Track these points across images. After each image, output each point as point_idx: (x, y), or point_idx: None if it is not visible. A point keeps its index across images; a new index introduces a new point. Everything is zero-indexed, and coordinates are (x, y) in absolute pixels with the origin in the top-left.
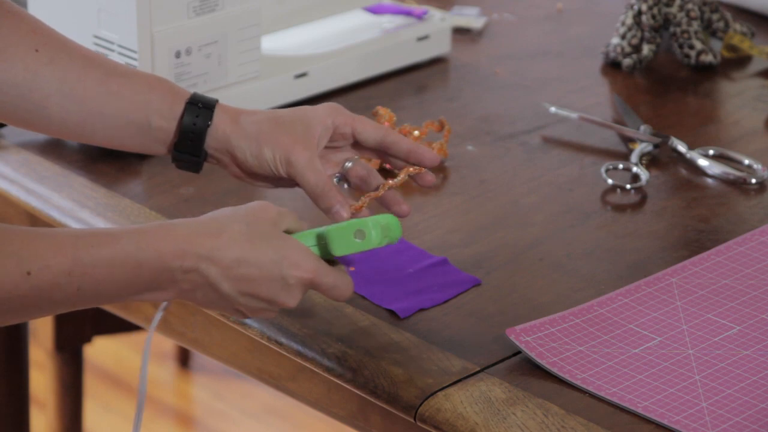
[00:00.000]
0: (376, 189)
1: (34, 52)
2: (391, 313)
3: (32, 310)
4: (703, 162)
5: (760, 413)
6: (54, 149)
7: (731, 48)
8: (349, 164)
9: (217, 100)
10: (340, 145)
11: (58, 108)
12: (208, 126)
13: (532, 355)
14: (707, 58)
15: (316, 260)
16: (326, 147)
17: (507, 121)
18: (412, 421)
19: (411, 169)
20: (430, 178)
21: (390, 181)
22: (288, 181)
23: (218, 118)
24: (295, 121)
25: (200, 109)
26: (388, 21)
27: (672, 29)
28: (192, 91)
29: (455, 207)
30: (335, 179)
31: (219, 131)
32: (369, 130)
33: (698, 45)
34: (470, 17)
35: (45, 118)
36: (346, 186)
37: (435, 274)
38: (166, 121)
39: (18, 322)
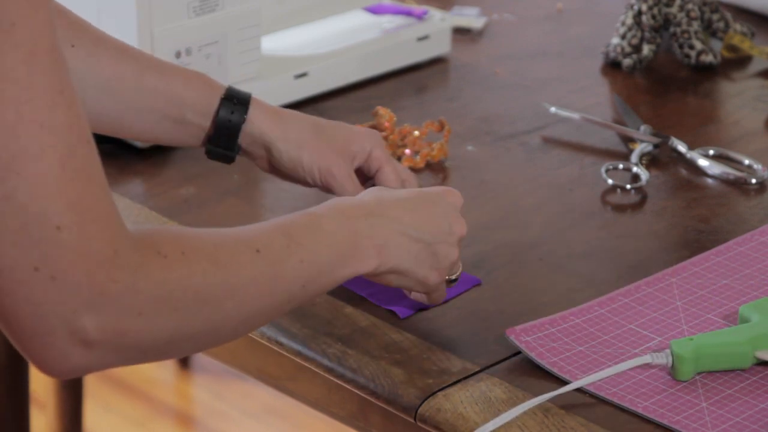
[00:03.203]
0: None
1: (70, 47)
2: (391, 313)
3: (267, 298)
4: (703, 162)
5: (760, 413)
6: None
7: (731, 48)
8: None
9: (251, 95)
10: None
11: (94, 103)
12: (243, 121)
13: (532, 355)
14: (707, 58)
15: None
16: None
17: (507, 121)
18: (412, 421)
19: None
20: None
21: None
22: (308, 183)
23: (254, 114)
24: (336, 135)
25: (235, 105)
26: (388, 21)
27: (672, 29)
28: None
29: None
30: None
31: (255, 128)
32: (391, 178)
33: (698, 45)
34: (470, 17)
35: None
36: None
37: None
38: (201, 116)
39: (263, 319)
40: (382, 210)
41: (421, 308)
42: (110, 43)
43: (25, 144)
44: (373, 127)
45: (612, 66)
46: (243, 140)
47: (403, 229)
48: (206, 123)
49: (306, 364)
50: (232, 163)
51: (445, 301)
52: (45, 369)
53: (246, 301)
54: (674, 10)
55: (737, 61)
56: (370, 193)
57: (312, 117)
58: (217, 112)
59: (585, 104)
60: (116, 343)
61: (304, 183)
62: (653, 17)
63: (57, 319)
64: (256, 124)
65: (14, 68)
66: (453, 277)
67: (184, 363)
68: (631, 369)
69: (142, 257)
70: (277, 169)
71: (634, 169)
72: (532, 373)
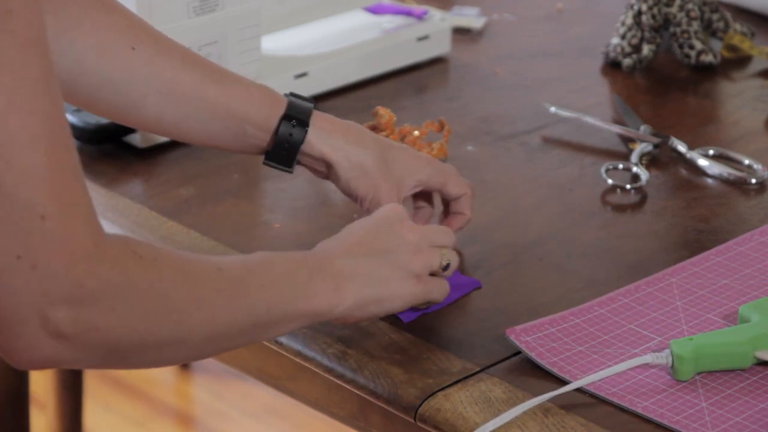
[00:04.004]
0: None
1: (130, 50)
2: (395, 317)
3: (232, 315)
4: (703, 162)
5: (760, 413)
6: None
7: (731, 48)
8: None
9: (312, 110)
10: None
11: (154, 107)
12: (302, 142)
13: (532, 355)
14: (707, 58)
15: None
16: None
17: (507, 121)
18: (412, 421)
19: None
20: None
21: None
22: (359, 204)
23: (314, 135)
24: (395, 165)
25: (294, 126)
26: (388, 21)
27: (672, 29)
28: None
29: None
30: None
31: (315, 149)
32: (456, 190)
33: (698, 45)
34: (470, 17)
35: (142, 116)
36: None
37: None
38: (262, 131)
39: (230, 341)
40: (332, 250)
41: (425, 312)
42: (173, 48)
43: (15, 132)
44: (373, 127)
45: (612, 66)
46: (301, 157)
47: (354, 258)
48: (266, 138)
49: (306, 364)
50: (291, 172)
51: (446, 305)
52: (12, 358)
53: (212, 316)
54: (674, 10)
55: (737, 61)
56: (318, 246)
57: (378, 140)
58: (277, 129)
59: (585, 104)
60: (87, 338)
61: (355, 202)
62: (653, 17)
63: (32, 309)
64: (316, 147)
65: (8, 55)
66: (444, 263)
67: (184, 363)
68: (631, 369)
69: (120, 254)
70: (333, 181)
71: (634, 169)
72: (532, 373)
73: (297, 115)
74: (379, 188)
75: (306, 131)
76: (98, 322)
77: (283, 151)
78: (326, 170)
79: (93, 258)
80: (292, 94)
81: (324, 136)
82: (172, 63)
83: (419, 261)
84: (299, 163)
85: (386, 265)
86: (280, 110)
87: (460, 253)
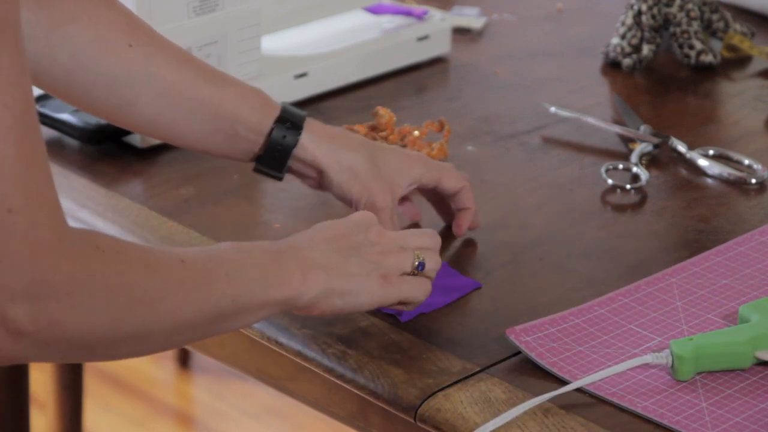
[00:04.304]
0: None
1: (128, 47)
2: (390, 314)
3: (197, 305)
4: (703, 162)
5: (760, 413)
6: (54, 149)
7: (731, 48)
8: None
9: (305, 117)
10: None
11: (148, 106)
12: (295, 145)
13: (532, 355)
14: (707, 58)
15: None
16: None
17: (507, 121)
18: (412, 421)
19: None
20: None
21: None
22: (354, 207)
23: (306, 139)
24: (387, 166)
25: (288, 129)
26: (388, 21)
27: (672, 29)
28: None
29: None
30: None
31: (307, 154)
32: (452, 183)
33: (698, 45)
34: (470, 17)
35: (136, 115)
36: None
37: (436, 278)
38: (254, 134)
39: (195, 332)
40: (300, 242)
41: (422, 311)
42: (169, 49)
43: None
44: (373, 127)
45: (612, 66)
46: (293, 163)
47: (321, 251)
48: (258, 141)
49: (306, 364)
50: (281, 179)
51: (446, 305)
52: None
53: (175, 307)
54: (674, 10)
55: (737, 61)
56: (287, 239)
57: (366, 143)
58: (270, 133)
59: (585, 104)
60: (48, 334)
61: (350, 206)
62: (653, 17)
63: None
64: (309, 150)
65: None
66: (416, 263)
67: (184, 363)
68: (631, 369)
69: (83, 248)
70: (325, 188)
71: (634, 169)
72: (532, 373)
73: (292, 117)
74: (372, 190)
75: (299, 134)
76: (60, 317)
77: (276, 154)
78: (317, 176)
79: (56, 252)
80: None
81: (316, 140)
82: (168, 62)
83: (388, 261)
84: (290, 170)
85: (352, 261)
86: (274, 114)
87: (458, 255)
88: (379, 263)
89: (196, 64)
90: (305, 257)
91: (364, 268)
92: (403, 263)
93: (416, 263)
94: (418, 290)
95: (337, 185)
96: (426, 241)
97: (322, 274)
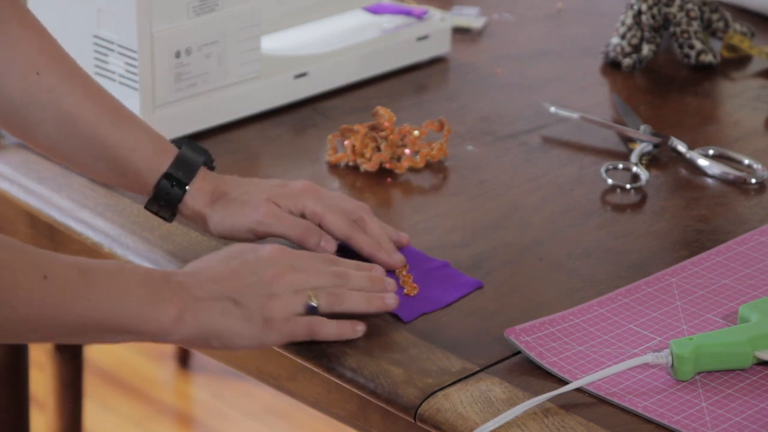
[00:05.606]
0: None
1: (35, 74)
2: (394, 317)
3: (48, 319)
4: (703, 162)
5: (760, 413)
6: None
7: (731, 48)
8: None
9: (200, 166)
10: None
11: (46, 134)
12: (180, 201)
13: (532, 355)
14: (707, 58)
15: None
16: None
17: (507, 121)
18: (412, 421)
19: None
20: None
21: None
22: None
23: (192, 197)
24: (254, 197)
25: (173, 188)
26: (388, 21)
27: (672, 29)
28: (191, 90)
29: (455, 207)
30: None
31: (188, 209)
32: (337, 224)
33: (698, 45)
34: (470, 17)
35: (34, 138)
36: None
37: (437, 278)
38: (142, 181)
39: (36, 339)
40: (188, 279)
41: (424, 311)
42: (77, 79)
43: None
44: (373, 127)
45: (612, 66)
46: (181, 211)
47: (207, 291)
48: (147, 188)
49: (306, 364)
50: (169, 223)
51: (447, 305)
52: None
53: (24, 317)
54: (674, 9)
55: (737, 61)
56: (185, 268)
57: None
58: (158, 183)
59: (585, 104)
60: None
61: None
62: (653, 17)
63: None
64: (189, 206)
65: None
66: (310, 304)
67: (184, 363)
68: (631, 369)
69: None
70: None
71: (634, 169)
72: (532, 373)
73: (177, 174)
74: (249, 215)
75: (184, 191)
76: None
77: (161, 206)
78: (204, 225)
79: None
80: (189, 143)
81: (201, 197)
82: (74, 95)
83: (274, 305)
84: (181, 214)
85: (236, 305)
86: (166, 164)
87: (459, 255)
88: (264, 307)
89: (102, 100)
90: (188, 296)
91: (246, 312)
92: (293, 306)
93: (309, 305)
94: (322, 330)
95: (220, 232)
96: (325, 280)
97: (200, 316)
